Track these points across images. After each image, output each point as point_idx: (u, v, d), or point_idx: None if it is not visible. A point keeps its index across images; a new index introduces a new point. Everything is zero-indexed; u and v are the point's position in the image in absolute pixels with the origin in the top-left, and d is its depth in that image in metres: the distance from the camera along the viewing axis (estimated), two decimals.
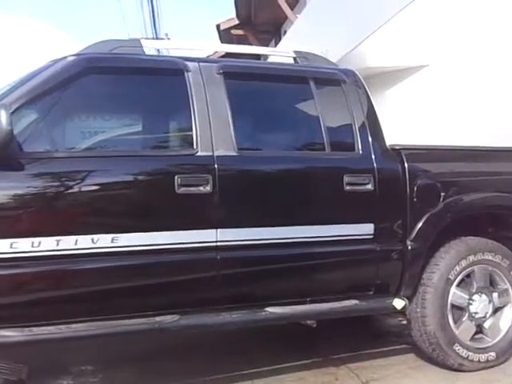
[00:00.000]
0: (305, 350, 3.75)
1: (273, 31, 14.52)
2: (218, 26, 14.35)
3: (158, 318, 2.71)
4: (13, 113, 2.48)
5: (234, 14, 13.88)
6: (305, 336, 3.95)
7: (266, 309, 2.91)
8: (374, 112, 3.33)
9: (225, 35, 14.49)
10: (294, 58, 3.47)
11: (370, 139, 3.22)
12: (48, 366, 3.50)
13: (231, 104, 2.96)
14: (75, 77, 2.77)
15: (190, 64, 3.00)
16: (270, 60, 4.53)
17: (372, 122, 3.28)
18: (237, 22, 13.94)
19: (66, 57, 2.83)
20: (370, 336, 4.14)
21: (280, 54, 3.54)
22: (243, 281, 2.94)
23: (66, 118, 2.98)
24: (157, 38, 13.65)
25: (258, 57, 4.75)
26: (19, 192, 2.56)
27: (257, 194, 2.95)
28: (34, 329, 2.51)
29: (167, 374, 3.31)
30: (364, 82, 3.41)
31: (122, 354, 3.65)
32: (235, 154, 2.90)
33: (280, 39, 13.25)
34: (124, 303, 2.74)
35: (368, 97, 3.36)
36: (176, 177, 2.74)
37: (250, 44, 12.72)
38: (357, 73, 3.43)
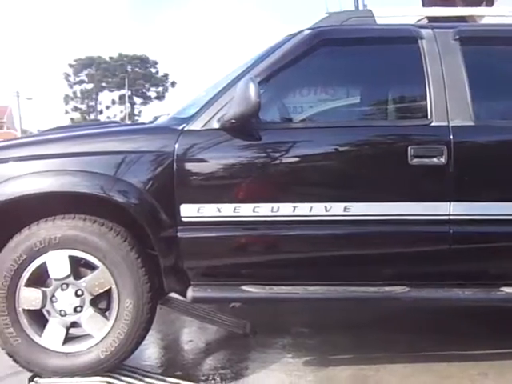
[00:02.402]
0: None
1: None
2: None
3: (387, 288, 2.72)
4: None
5: None
6: None
7: (502, 289, 2.74)
8: None
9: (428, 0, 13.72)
10: None
11: None
12: (268, 324, 3.75)
13: (468, 72, 2.80)
14: (311, 50, 2.85)
15: (423, 31, 2.90)
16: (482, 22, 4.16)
17: None
18: None
19: (302, 30, 2.92)
20: None
21: None
22: (476, 257, 2.80)
23: (301, 89, 3.11)
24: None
25: (464, 19, 4.39)
26: (260, 160, 2.74)
27: (496, 167, 2.76)
28: (275, 287, 2.70)
29: (384, 346, 3.29)
30: None
31: (337, 321, 3.76)
32: (472, 124, 2.75)
33: (492, 1, 12.11)
34: (353, 271, 2.80)
35: None
36: (409, 147, 2.68)
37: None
38: None
